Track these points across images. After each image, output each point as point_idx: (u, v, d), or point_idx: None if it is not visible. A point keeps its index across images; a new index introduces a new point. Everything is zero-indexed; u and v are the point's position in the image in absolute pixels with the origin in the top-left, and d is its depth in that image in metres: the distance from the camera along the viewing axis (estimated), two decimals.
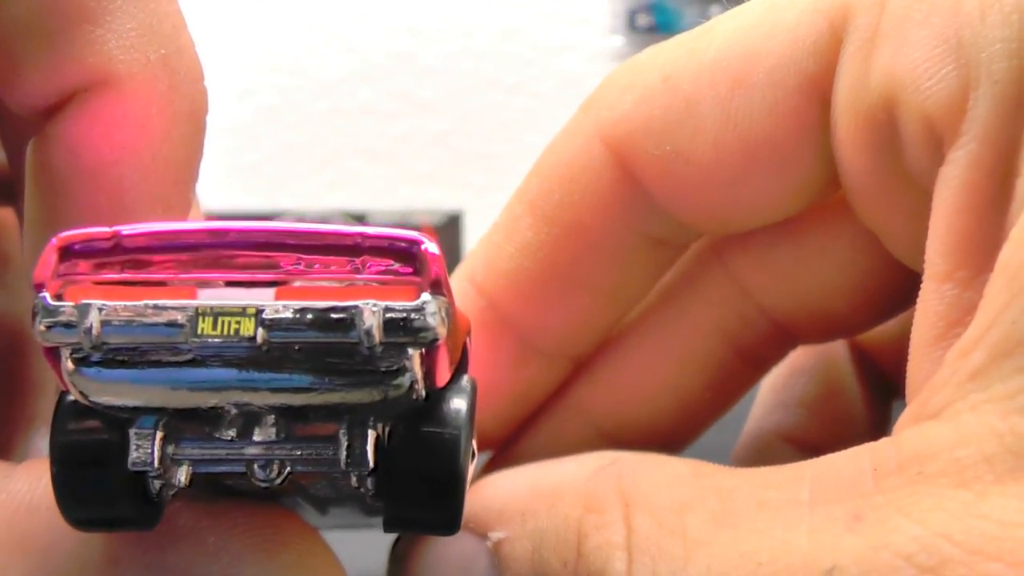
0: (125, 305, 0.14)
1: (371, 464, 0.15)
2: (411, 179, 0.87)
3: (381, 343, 0.14)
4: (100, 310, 0.14)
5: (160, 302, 0.14)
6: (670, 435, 0.23)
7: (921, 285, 0.16)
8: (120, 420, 0.15)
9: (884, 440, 0.15)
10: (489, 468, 0.24)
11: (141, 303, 0.14)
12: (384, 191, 0.85)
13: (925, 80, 0.16)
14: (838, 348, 0.24)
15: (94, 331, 0.14)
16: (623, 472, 0.17)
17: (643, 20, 0.91)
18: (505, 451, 0.24)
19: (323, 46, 0.91)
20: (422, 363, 0.14)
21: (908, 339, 0.17)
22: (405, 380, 0.14)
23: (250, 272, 0.14)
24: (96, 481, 0.15)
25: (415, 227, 0.14)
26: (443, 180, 0.85)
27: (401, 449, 0.15)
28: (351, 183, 0.86)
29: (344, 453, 0.15)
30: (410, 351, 0.14)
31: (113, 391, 0.15)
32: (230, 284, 0.15)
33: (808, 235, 0.21)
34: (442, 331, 0.14)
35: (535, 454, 0.23)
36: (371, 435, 0.15)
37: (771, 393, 0.25)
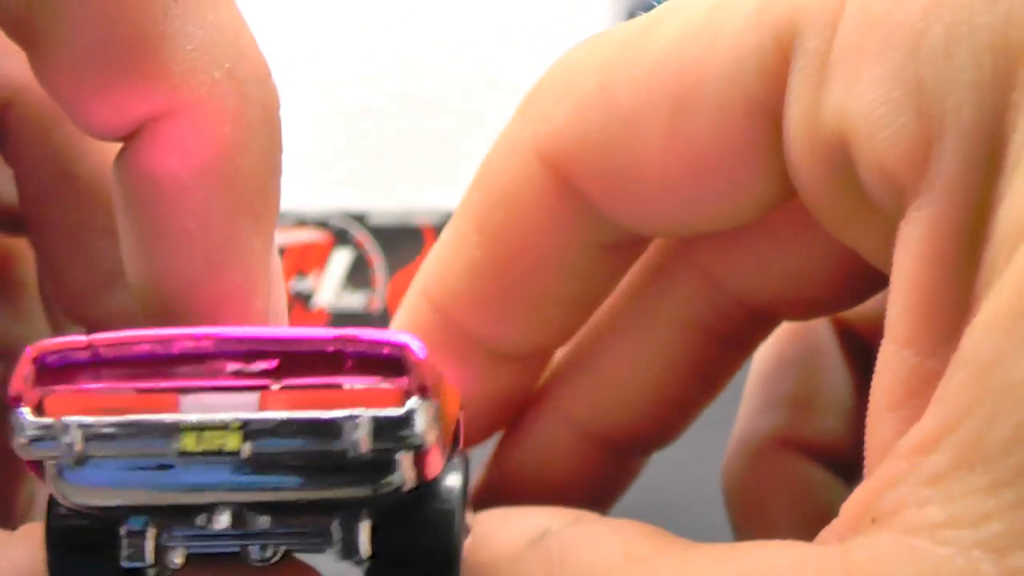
0: (107, 421, 0.14)
1: (364, 555, 0.15)
2: (411, 179, 0.87)
3: (370, 451, 0.14)
4: (80, 427, 0.14)
5: (142, 418, 0.14)
6: (657, 430, 0.23)
7: (881, 343, 0.15)
8: (110, 520, 0.15)
9: (832, 551, 0.14)
10: (477, 484, 0.24)
11: (123, 419, 0.14)
12: (384, 191, 0.85)
13: (880, 128, 0.15)
14: (823, 332, 0.24)
15: (76, 447, 0.14)
16: (551, 552, 0.16)
17: None
18: (491, 461, 0.24)
19: (323, 46, 0.91)
20: (413, 463, 0.14)
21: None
22: (395, 479, 0.14)
23: (233, 378, 0.14)
24: (91, 570, 0.15)
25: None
26: (443, 180, 0.85)
27: (395, 533, 0.15)
28: (351, 183, 0.86)
29: (338, 547, 0.15)
30: (399, 454, 0.14)
31: (99, 495, 0.14)
32: (213, 391, 0.14)
33: (779, 223, 0.20)
34: (432, 435, 0.14)
35: (522, 462, 0.22)
36: (364, 527, 0.15)
37: (759, 390, 0.24)
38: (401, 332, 0.14)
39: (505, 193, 0.20)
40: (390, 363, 0.14)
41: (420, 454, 0.14)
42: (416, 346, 0.14)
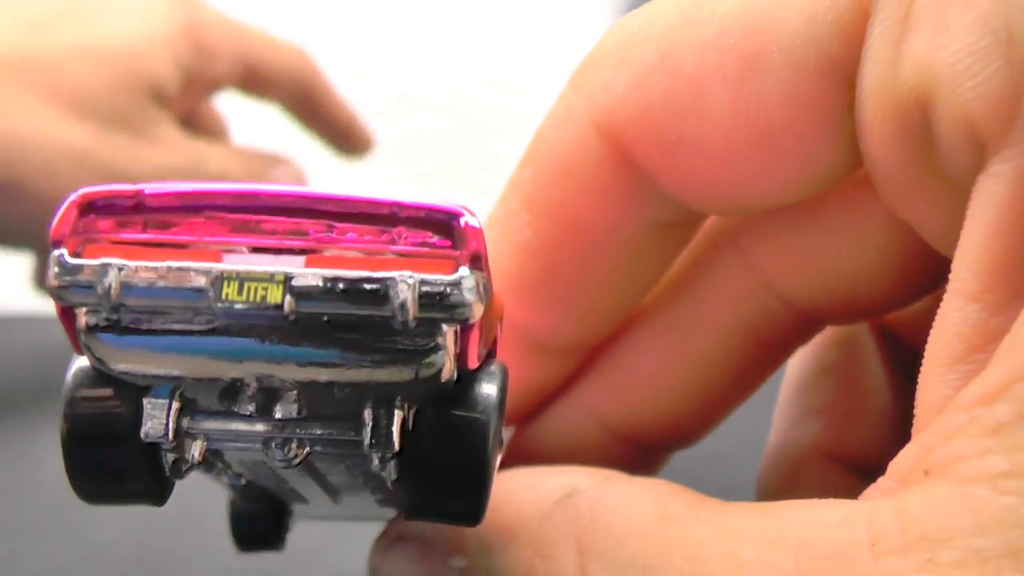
0: (146, 266, 0.13)
1: (396, 446, 0.14)
2: (410, 179, 0.87)
3: (415, 318, 0.13)
4: (120, 270, 0.13)
5: (184, 264, 0.13)
6: (686, 429, 0.22)
7: (943, 297, 0.15)
8: (134, 390, 0.14)
9: (883, 504, 0.13)
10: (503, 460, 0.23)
11: (163, 264, 0.13)
12: (383, 191, 0.85)
13: (967, 78, 0.14)
14: (863, 338, 0.23)
15: (113, 292, 0.13)
16: (580, 511, 0.16)
17: None
18: (515, 443, 0.23)
19: (323, 46, 0.91)
20: (456, 342, 0.14)
21: (934, 314, 0.15)
22: (438, 359, 0.14)
23: (279, 238, 0.14)
24: (109, 454, 0.15)
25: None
26: (443, 180, 0.85)
27: (427, 433, 0.15)
28: (350, 183, 0.86)
29: (368, 434, 0.14)
30: (444, 328, 0.14)
31: (129, 357, 0.14)
32: (257, 250, 0.14)
33: (834, 219, 0.19)
34: (479, 308, 0.13)
35: (541, 453, 0.22)
36: (398, 416, 0.14)
37: (796, 398, 0.23)
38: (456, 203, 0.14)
39: (560, 169, 0.19)
40: (442, 230, 0.14)
41: (464, 332, 0.14)
42: (470, 216, 0.14)
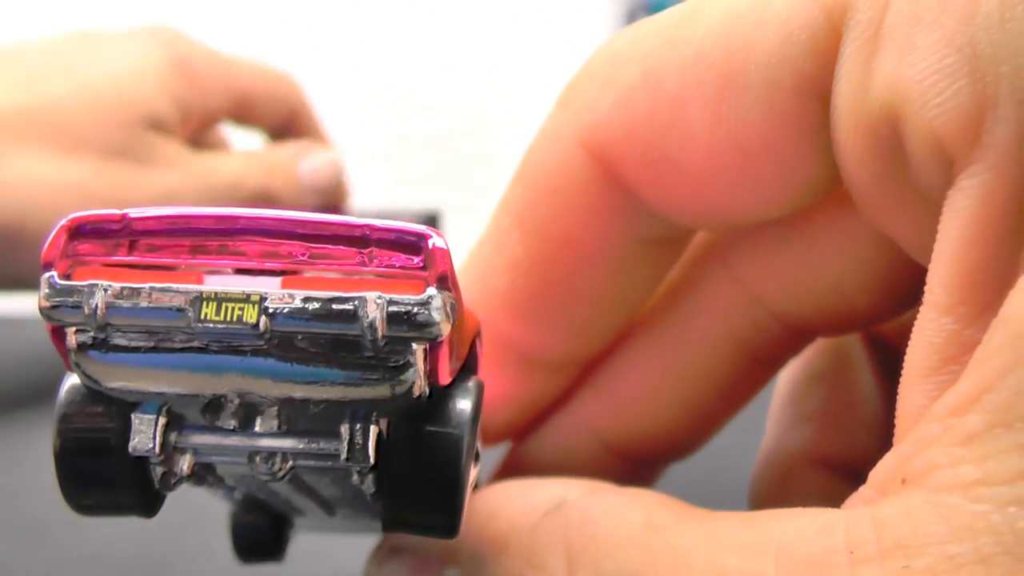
0: (130, 287, 0.14)
1: (372, 460, 0.15)
2: (410, 179, 0.87)
3: (384, 336, 0.14)
4: (105, 291, 0.14)
5: (165, 285, 0.14)
6: (681, 443, 0.22)
7: (919, 311, 0.15)
8: (124, 406, 0.15)
9: (860, 512, 0.14)
10: (499, 475, 0.23)
11: (146, 286, 0.14)
12: (383, 191, 0.85)
13: (934, 95, 0.14)
14: (853, 345, 0.23)
15: (99, 312, 0.14)
16: (569, 521, 0.16)
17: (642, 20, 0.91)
18: (511, 459, 0.23)
19: (323, 46, 0.91)
20: (426, 359, 0.14)
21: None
22: (408, 376, 0.14)
23: (259, 260, 0.14)
24: (99, 467, 0.15)
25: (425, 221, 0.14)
26: (443, 180, 0.85)
27: (402, 448, 0.15)
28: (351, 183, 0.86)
29: (345, 448, 0.15)
30: (414, 346, 0.14)
31: (115, 374, 0.15)
32: (238, 272, 0.15)
33: (820, 234, 0.20)
34: (446, 327, 0.14)
35: (536, 467, 0.22)
36: (373, 431, 0.15)
37: (788, 405, 0.23)
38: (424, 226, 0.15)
39: (548, 187, 0.20)
40: (412, 251, 0.14)
41: (434, 349, 0.14)
42: (437, 237, 0.14)
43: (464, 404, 0.15)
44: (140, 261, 0.15)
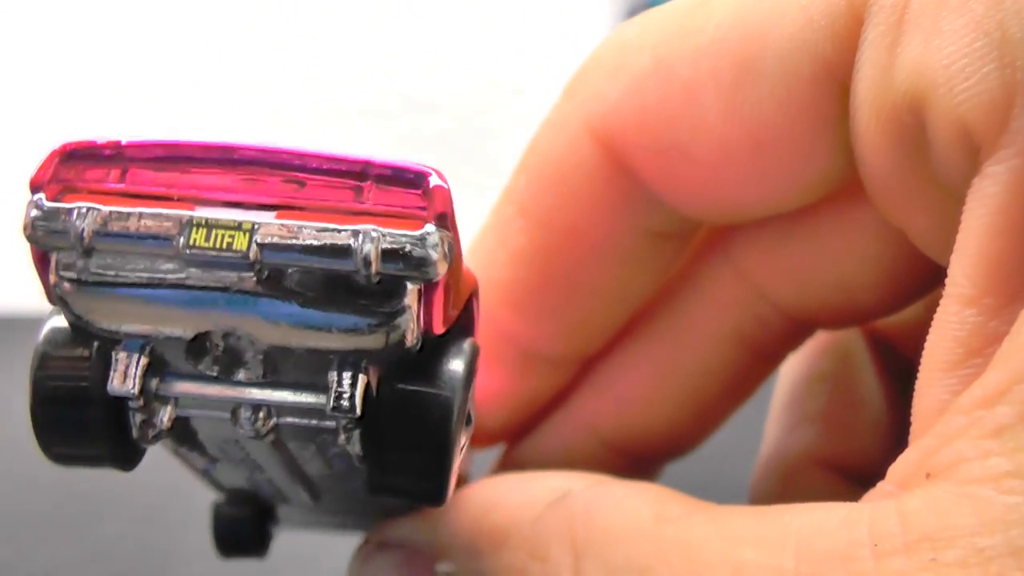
0: (119, 211, 0.14)
1: (358, 411, 0.14)
2: None
3: (378, 273, 0.13)
4: (94, 214, 0.14)
5: (155, 210, 0.14)
6: (682, 439, 0.22)
7: (940, 303, 0.15)
8: (105, 349, 0.14)
9: (885, 505, 0.13)
10: (496, 471, 0.23)
11: (136, 210, 0.14)
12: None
13: (961, 80, 0.14)
14: (856, 346, 0.23)
15: (86, 235, 0.14)
16: (574, 513, 0.16)
17: None
18: (509, 456, 0.23)
19: (323, 46, 0.91)
20: (419, 301, 0.14)
21: (928, 323, 0.15)
22: (401, 321, 0.14)
23: (253, 192, 0.14)
24: (75, 412, 0.15)
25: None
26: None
27: (390, 405, 0.14)
28: None
29: (332, 396, 0.14)
30: (408, 286, 0.14)
31: (98, 307, 0.14)
32: (231, 204, 0.14)
33: (826, 228, 0.19)
34: (443, 266, 0.13)
35: (538, 461, 0.22)
36: (361, 380, 0.14)
37: (789, 407, 0.23)
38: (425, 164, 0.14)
39: (555, 176, 0.19)
40: (411, 189, 0.14)
41: (429, 292, 0.14)
42: (437, 176, 0.14)
43: (457, 364, 0.15)
44: (131, 189, 0.14)
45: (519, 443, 0.23)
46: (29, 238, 0.14)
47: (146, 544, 0.27)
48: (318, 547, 0.26)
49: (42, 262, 0.14)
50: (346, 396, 0.14)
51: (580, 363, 0.22)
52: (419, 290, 0.14)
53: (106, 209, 0.14)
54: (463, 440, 0.15)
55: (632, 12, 0.93)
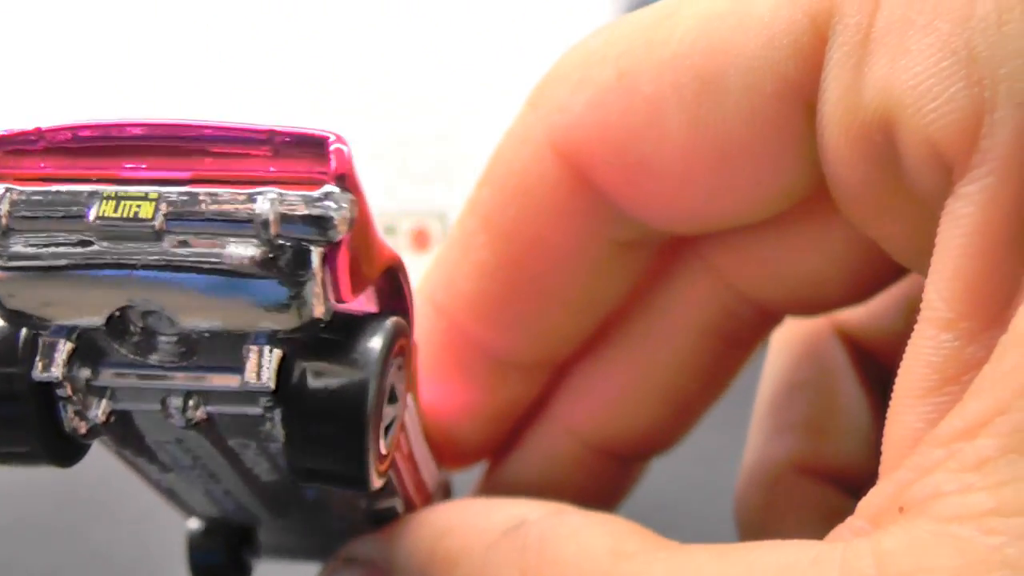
0: (35, 189, 0.14)
1: (271, 383, 0.14)
2: (411, 179, 0.87)
3: (279, 235, 0.13)
4: (9, 191, 0.14)
5: (67, 188, 0.14)
6: (662, 435, 0.22)
7: (915, 326, 0.14)
8: (32, 344, 0.15)
9: (857, 545, 0.13)
10: (482, 486, 0.23)
11: (49, 188, 0.14)
12: (383, 191, 0.85)
13: (929, 100, 0.14)
14: (836, 355, 0.23)
15: (3, 214, 0.14)
16: (528, 543, 0.15)
17: None
18: (493, 469, 0.23)
19: (322, 46, 0.91)
20: (323, 266, 0.14)
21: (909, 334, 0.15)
22: (307, 288, 0.14)
23: (164, 169, 0.14)
24: (4, 408, 0.15)
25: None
26: (443, 180, 0.85)
27: (305, 383, 0.14)
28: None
29: (246, 371, 0.14)
30: (312, 250, 0.14)
31: (19, 291, 0.14)
32: (145, 182, 0.14)
33: (794, 228, 0.19)
34: (343, 226, 0.13)
35: (520, 472, 0.22)
36: (275, 354, 0.14)
37: (770, 415, 0.23)
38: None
39: (517, 189, 0.19)
40: (315, 154, 0.14)
41: (333, 254, 0.14)
42: (339, 141, 0.14)
43: (375, 340, 0.15)
44: (53, 174, 0.14)
45: (503, 461, 0.23)
46: None
47: (145, 544, 0.27)
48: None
49: None
50: (259, 370, 0.14)
51: (553, 368, 0.22)
52: (322, 253, 0.14)
53: (21, 188, 0.14)
54: (389, 419, 0.15)
55: (632, 9, 0.93)
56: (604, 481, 0.22)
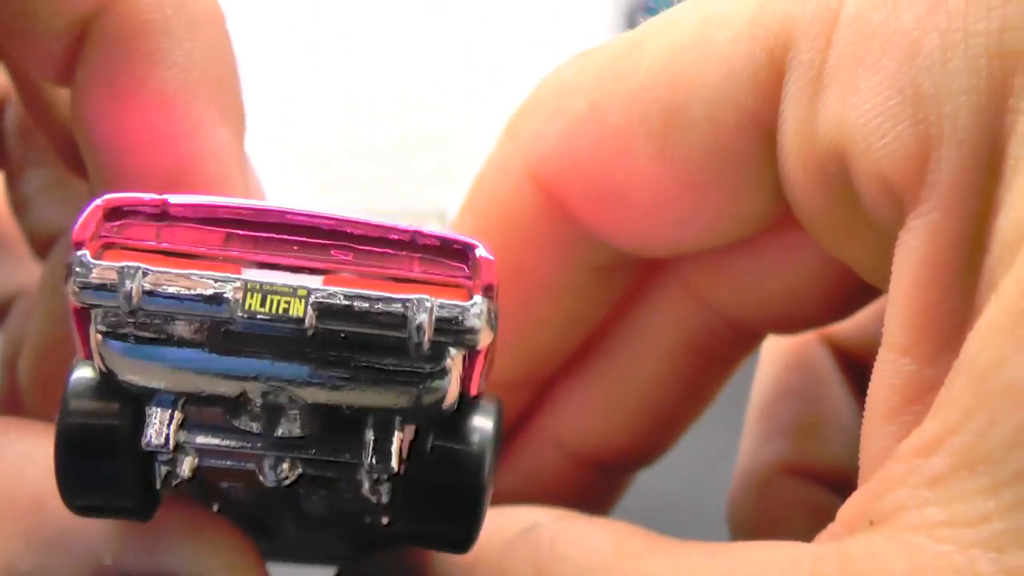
0: (171, 272, 0.13)
1: (395, 468, 0.14)
2: (411, 179, 0.87)
3: (430, 340, 0.14)
4: (144, 274, 0.13)
5: (208, 273, 0.13)
6: (646, 448, 0.23)
7: (879, 351, 0.15)
8: (134, 399, 0.14)
9: (827, 548, 0.14)
10: None
11: (188, 272, 0.13)
12: (384, 191, 0.85)
13: (878, 137, 0.14)
14: (823, 361, 0.23)
15: (134, 295, 0.13)
16: (541, 544, 0.16)
17: (643, 21, 0.91)
18: None
19: (322, 46, 0.91)
20: (463, 368, 0.14)
21: None
22: (444, 384, 0.14)
23: (298, 257, 0.14)
24: (103, 464, 0.15)
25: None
26: (443, 180, 0.85)
27: (425, 460, 0.15)
28: (351, 183, 0.86)
29: (370, 454, 0.14)
30: (453, 352, 0.14)
31: (141, 368, 0.14)
32: (275, 267, 0.14)
33: (769, 249, 0.20)
34: (488, 336, 0.14)
35: (508, 486, 0.22)
36: (397, 438, 0.14)
37: (761, 421, 0.23)
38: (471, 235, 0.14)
39: (497, 217, 0.20)
40: (458, 260, 0.14)
41: (472, 359, 0.14)
42: (484, 248, 0.14)
43: (487, 422, 0.15)
44: (174, 248, 0.14)
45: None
46: (74, 296, 0.14)
47: None
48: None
49: (80, 316, 0.14)
50: (384, 455, 0.14)
51: (536, 385, 0.22)
52: (463, 356, 0.14)
53: (156, 270, 0.13)
54: (491, 489, 0.16)
55: (631, 12, 0.93)
56: (589, 492, 0.23)
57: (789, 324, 0.21)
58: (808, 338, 0.24)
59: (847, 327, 0.23)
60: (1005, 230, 0.13)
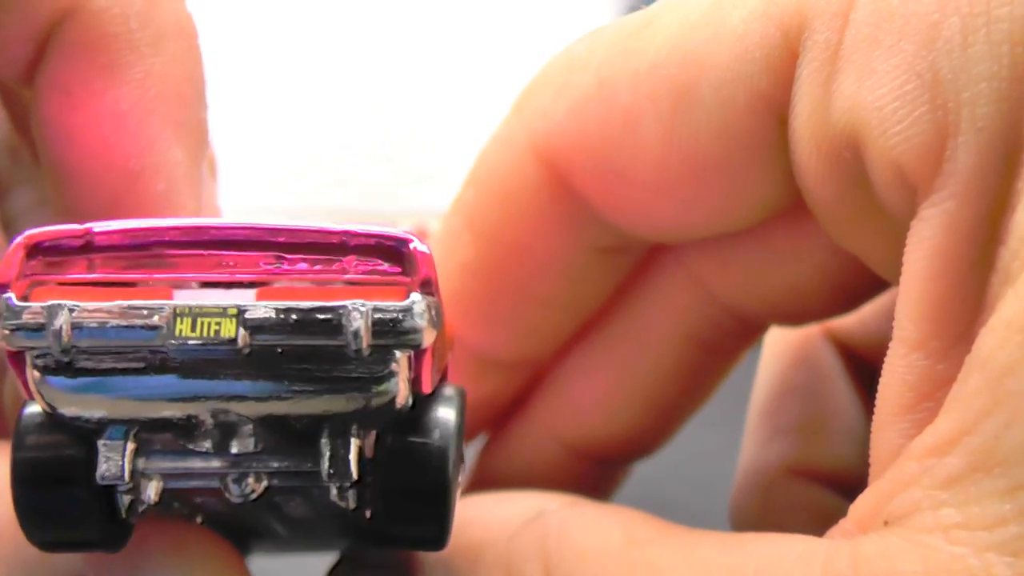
0: (97, 306, 0.13)
1: (354, 475, 0.14)
2: (411, 179, 0.87)
3: (369, 346, 0.13)
4: (70, 311, 0.13)
5: (135, 303, 0.13)
6: (644, 440, 0.22)
7: (890, 345, 0.15)
8: (86, 432, 0.14)
9: (840, 545, 0.14)
10: (467, 486, 0.23)
11: (114, 304, 0.13)
12: (384, 191, 0.85)
13: (894, 123, 0.14)
14: (828, 359, 0.23)
15: (64, 334, 0.13)
16: (548, 532, 0.16)
17: None
18: (474, 473, 0.23)
19: (322, 46, 0.91)
20: (409, 368, 0.14)
21: None
22: (391, 386, 0.14)
23: (229, 272, 0.14)
24: (61, 500, 0.14)
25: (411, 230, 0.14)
26: (443, 180, 0.85)
27: (385, 460, 0.14)
28: (351, 183, 0.86)
29: (326, 464, 0.14)
30: (397, 354, 0.14)
31: (80, 401, 0.14)
32: (207, 285, 0.14)
33: (774, 237, 0.19)
34: (431, 334, 0.14)
35: (505, 474, 0.22)
36: (354, 444, 0.14)
37: (764, 420, 0.23)
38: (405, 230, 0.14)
39: (500, 192, 0.20)
40: (393, 257, 0.14)
41: (418, 358, 0.14)
42: (419, 242, 0.14)
43: (447, 413, 0.15)
44: (102, 278, 0.14)
45: (488, 454, 0.23)
46: (5, 340, 0.13)
47: None
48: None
49: (15, 358, 0.14)
50: (340, 462, 0.14)
51: (534, 366, 0.22)
52: (408, 357, 0.14)
53: (83, 306, 0.13)
54: (458, 483, 0.16)
55: (631, 12, 0.93)
56: (585, 484, 0.23)
57: (793, 316, 0.21)
58: (812, 334, 0.23)
59: (851, 323, 0.23)
60: (1022, 223, 0.13)
